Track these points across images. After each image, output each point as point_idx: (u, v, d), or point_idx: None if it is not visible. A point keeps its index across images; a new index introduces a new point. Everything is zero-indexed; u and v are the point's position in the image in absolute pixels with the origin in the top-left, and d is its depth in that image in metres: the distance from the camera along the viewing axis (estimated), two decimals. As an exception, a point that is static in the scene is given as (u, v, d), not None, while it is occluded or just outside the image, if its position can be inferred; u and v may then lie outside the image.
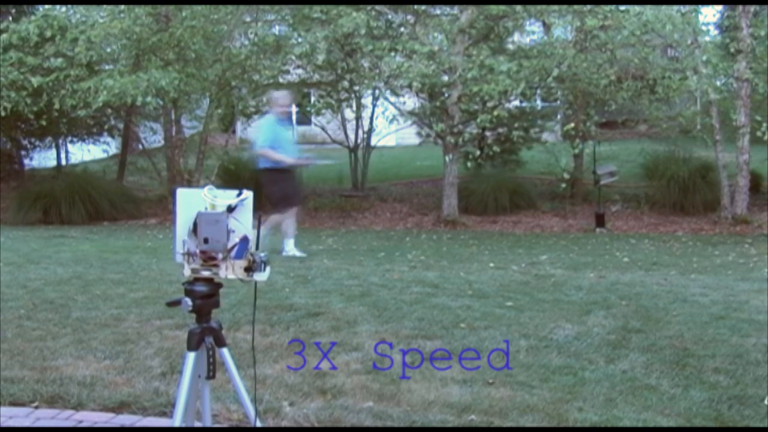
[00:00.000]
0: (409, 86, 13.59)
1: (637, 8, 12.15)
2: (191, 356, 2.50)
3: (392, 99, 15.67)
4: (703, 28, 13.48)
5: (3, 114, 12.85)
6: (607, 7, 12.48)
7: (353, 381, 4.01)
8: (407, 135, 18.94)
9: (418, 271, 7.73)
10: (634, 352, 4.53)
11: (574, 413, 3.59)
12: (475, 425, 3.50)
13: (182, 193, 2.49)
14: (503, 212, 14.27)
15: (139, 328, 5.10)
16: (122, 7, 12.83)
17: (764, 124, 12.49)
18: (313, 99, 16.63)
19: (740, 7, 12.85)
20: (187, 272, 2.49)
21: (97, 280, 6.85)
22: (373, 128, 16.23)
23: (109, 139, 17.96)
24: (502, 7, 12.89)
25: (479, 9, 12.97)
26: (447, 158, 13.61)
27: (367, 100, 16.12)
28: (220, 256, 2.44)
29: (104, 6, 13.16)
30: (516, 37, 16.31)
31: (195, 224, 2.44)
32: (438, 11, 14.70)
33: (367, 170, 16.19)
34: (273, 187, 8.84)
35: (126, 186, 16.14)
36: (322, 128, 16.04)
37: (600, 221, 13.10)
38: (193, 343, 2.51)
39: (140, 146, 17.11)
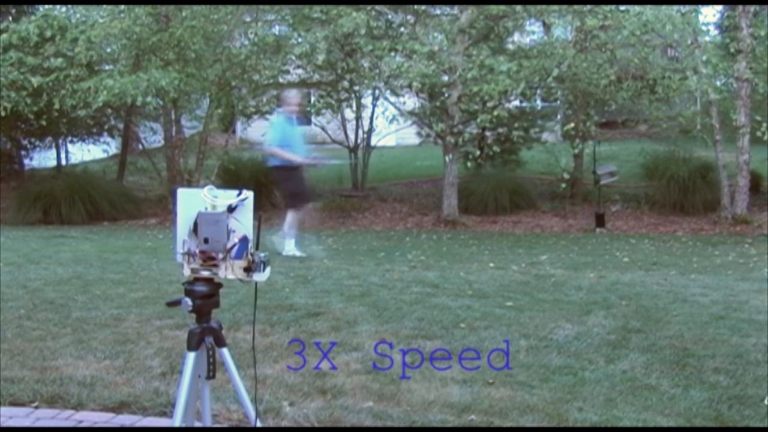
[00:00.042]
0: (409, 86, 13.59)
1: (637, 8, 12.15)
2: (191, 356, 2.50)
3: (392, 99, 15.66)
4: (703, 28, 13.48)
5: (3, 114, 12.84)
6: (607, 7, 12.48)
7: (353, 381, 4.01)
8: (407, 135, 18.93)
9: (418, 271, 7.73)
10: (634, 352, 4.53)
11: (574, 413, 3.59)
12: (475, 425, 3.50)
13: (182, 193, 2.49)
14: (503, 212, 14.26)
15: (139, 328, 5.10)
16: (122, 7, 12.83)
17: (764, 124, 12.49)
18: (313, 99, 16.61)
19: (740, 7, 12.84)
20: (186, 272, 2.49)
21: (97, 280, 6.85)
22: (373, 128, 16.22)
23: (109, 139, 17.95)
24: (502, 7, 12.89)
25: (479, 9, 12.97)
26: (447, 158, 13.61)
27: (367, 100, 16.11)
28: (220, 256, 2.44)
29: (104, 6, 13.16)
30: (516, 37, 16.31)
31: (195, 224, 2.44)
32: (438, 11, 14.70)
33: (367, 170, 16.19)
34: (284, 185, 8.88)
35: (126, 186, 16.13)
36: (322, 128, 16.04)
37: (600, 221, 13.10)
38: (193, 343, 2.51)
39: (140, 146, 17.11)
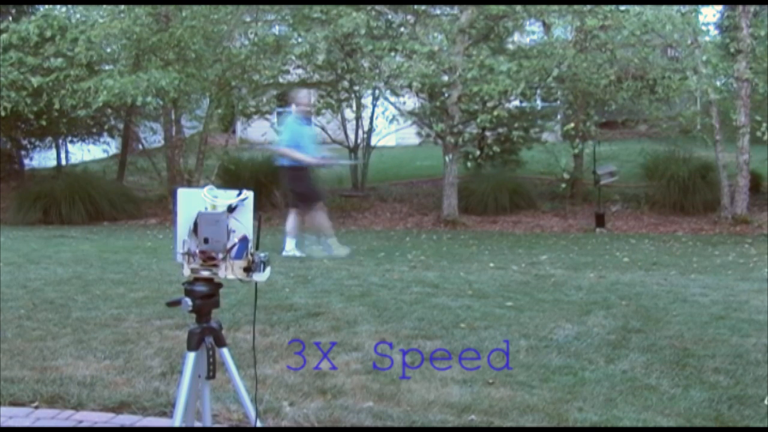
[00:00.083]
0: (409, 86, 13.59)
1: (637, 8, 12.15)
2: (191, 356, 2.50)
3: (392, 99, 15.66)
4: (703, 28, 13.48)
5: (3, 114, 12.84)
6: (607, 7, 12.48)
7: (353, 381, 4.01)
8: (407, 135, 18.93)
9: (418, 271, 7.73)
10: (634, 352, 4.53)
11: (574, 413, 3.59)
12: (475, 425, 3.50)
13: (183, 193, 2.49)
14: (503, 212, 14.26)
15: (139, 328, 5.10)
16: (122, 7, 12.83)
17: (764, 124, 12.49)
18: (313, 99, 16.62)
19: (740, 7, 12.84)
20: (186, 272, 2.49)
21: (97, 280, 6.85)
22: (373, 128, 16.22)
23: (109, 139, 17.95)
24: (502, 7, 12.89)
25: (479, 9, 12.96)
26: (447, 158, 13.61)
27: (367, 100, 16.11)
28: (220, 256, 2.44)
29: (104, 6, 13.16)
30: (516, 37, 16.30)
31: (195, 224, 2.44)
32: (438, 11, 14.70)
33: (367, 170, 16.19)
34: (293, 186, 8.86)
35: (126, 186, 16.13)
36: (322, 128, 16.04)
37: (600, 221, 13.10)
38: (193, 343, 2.51)
39: (140, 146, 17.11)
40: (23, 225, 13.07)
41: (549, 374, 4.14)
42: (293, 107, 9.16)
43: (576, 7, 12.86)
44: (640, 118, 17.05)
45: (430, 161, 17.98)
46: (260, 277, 2.47)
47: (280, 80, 14.94)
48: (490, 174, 15.26)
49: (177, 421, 2.47)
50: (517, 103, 16.22)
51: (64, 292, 6.24)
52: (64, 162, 18.02)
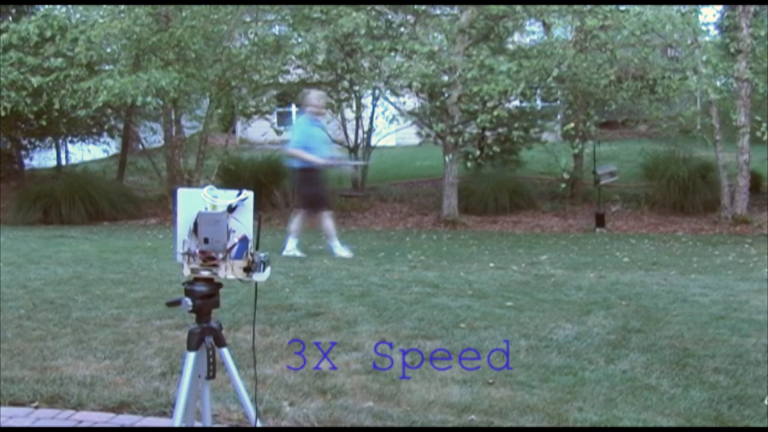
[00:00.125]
0: (409, 86, 13.59)
1: (637, 8, 12.15)
2: (191, 356, 2.51)
3: (392, 99, 15.66)
4: (703, 28, 13.48)
5: (3, 114, 12.84)
6: (607, 7, 12.48)
7: (353, 381, 4.01)
8: (407, 135, 18.93)
9: (418, 271, 7.73)
10: (634, 352, 4.53)
11: (574, 413, 3.59)
12: (475, 425, 3.50)
13: (183, 193, 2.49)
14: (503, 212, 14.26)
15: (139, 328, 5.10)
16: (122, 7, 12.83)
17: (764, 124, 12.49)
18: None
19: (740, 7, 12.85)
20: (186, 272, 2.49)
21: (97, 280, 6.85)
22: (373, 128, 16.22)
23: (109, 139, 17.96)
24: (502, 7, 12.89)
25: (479, 9, 12.96)
26: (447, 158, 13.61)
27: (367, 100, 16.11)
28: (220, 256, 2.44)
29: (104, 6, 13.16)
30: (516, 37, 16.30)
31: (195, 224, 2.44)
32: (438, 11, 14.70)
33: (367, 170, 16.19)
34: (303, 188, 8.85)
35: (126, 186, 16.13)
36: (322, 128, 16.04)
37: (600, 221, 13.10)
38: (193, 343, 2.51)
39: (140, 146, 17.11)
40: (23, 225, 13.07)
41: (549, 374, 4.14)
42: (305, 108, 9.09)
43: (576, 7, 12.86)
44: (640, 118, 17.05)
45: (430, 161, 17.99)
46: (260, 277, 2.47)
47: (280, 80, 14.94)
48: (490, 174, 15.27)
49: (177, 421, 2.47)
50: (517, 103, 16.22)
51: (64, 292, 6.24)
52: (64, 162, 18.02)
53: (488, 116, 12.77)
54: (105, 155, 18.26)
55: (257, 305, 2.61)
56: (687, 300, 6.08)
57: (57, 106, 12.87)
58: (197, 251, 2.45)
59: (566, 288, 6.62)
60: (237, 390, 2.60)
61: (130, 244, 10.20)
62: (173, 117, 15.04)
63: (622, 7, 12.62)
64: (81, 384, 3.97)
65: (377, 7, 13.53)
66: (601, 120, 16.27)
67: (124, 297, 6.07)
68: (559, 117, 17.75)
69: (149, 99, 12.26)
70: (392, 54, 13.20)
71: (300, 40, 13.59)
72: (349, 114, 16.41)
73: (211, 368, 2.51)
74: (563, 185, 14.32)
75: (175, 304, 2.50)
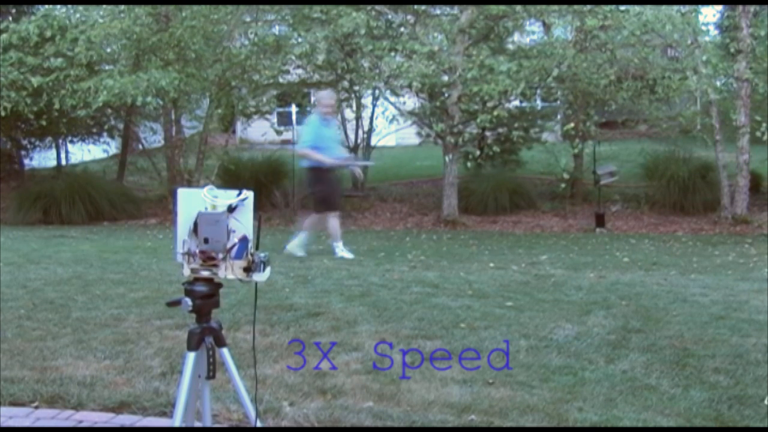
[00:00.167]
0: (409, 86, 13.59)
1: (637, 8, 12.16)
2: (191, 356, 2.51)
3: (392, 99, 15.67)
4: (703, 28, 13.49)
5: (3, 114, 12.84)
6: (607, 7, 12.48)
7: (353, 381, 4.01)
8: (407, 135, 18.94)
9: (418, 271, 7.72)
10: (634, 352, 4.53)
11: (574, 413, 3.59)
12: (475, 425, 3.50)
13: (183, 193, 2.49)
14: (503, 212, 14.27)
15: (139, 328, 5.10)
16: (122, 7, 12.83)
17: (764, 124, 12.50)
18: (313, 99, 16.62)
19: (740, 7, 12.85)
20: (186, 272, 2.49)
21: (97, 280, 6.85)
22: (373, 128, 16.23)
23: (109, 139, 17.96)
24: (502, 7, 12.89)
25: (479, 9, 12.97)
26: (447, 158, 13.61)
27: (367, 100, 16.12)
28: (220, 256, 2.44)
29: (104, 6, 13.16)
30: (516, 37, 16.31)
31: (195, 224, 2.44)
32: (438, 11, 14.70)
33: (367, 170, 16.18)
34: (314, 188, 8.84)
35: (126, 186, 16.14)
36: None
37: (600, 221, 13.10)
38: (193, 343, 2.51)
39: (140, 146, 17.12)
40: (23, 225, 13.08)
41: (549, 374, 4.14)
42: (316, 107, 9.06)
43: (576, 7, 12.87)
44: (640, 118, 17.05)
45: (430, 161, 17.99)
46: (260, 277, 2.47)
47: (280, 80, 14.94)
48: (490, 174, 15.27)
49: (177, 421, 2.47)
50: (517, 103, 16.22)
51: (64, 292, 6.24)
52: (64, 162, 18.02)
53: (488, 116, 12.77)
54: (105, 155, 18.27)
55: (257, 305, 2.61)
56: (687, 300, 6.08)
57: (57, 106, 12.87)
58: (197, 251, 2.45)
59: (566, 288, 6.62)
60: (237, 390, 2.60)
61: (130, 244, 10.20)
62: (173, 117, 15.05)
63: (622, 7, 12.62)
64: (81, 384, 3.97)
65: (377, 7, 13.53)
66: (601, 120, 16.28)
67: (124, 297, 6.07)
68: (559, 117, 17.76)
69: (149, 99, 12.26)
70: (392, 54, 13.21)
71: (300, 40, 13.60)
72: (349, 114, 16.42)
73: (211, 368, 2.51)
74: (563, 185, 14.33)
75: (175, 304, 2.50)
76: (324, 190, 8.74)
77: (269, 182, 14.47)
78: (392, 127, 15.85)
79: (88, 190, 14.09)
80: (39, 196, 13.94)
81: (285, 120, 18.12)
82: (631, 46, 13.77)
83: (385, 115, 15.68)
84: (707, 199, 13.73)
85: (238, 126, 21.13)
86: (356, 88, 15.29)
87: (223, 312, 4.80)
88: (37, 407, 3.74)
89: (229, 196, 2.44)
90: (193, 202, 2.46)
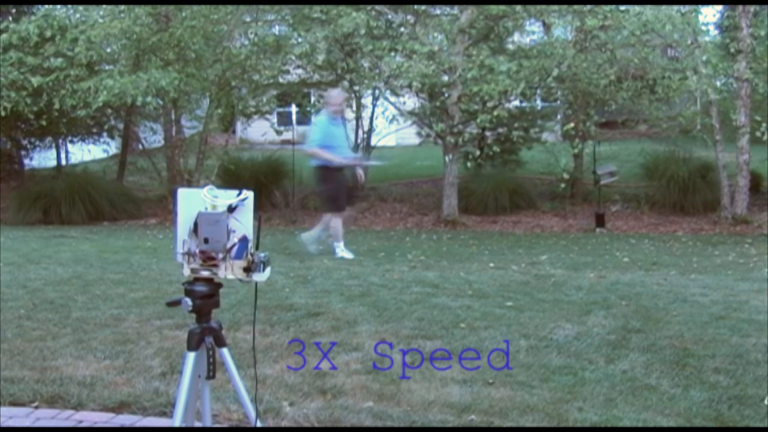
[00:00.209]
0: (409, 86, 13.58)
1: (637, 8, 12.15)
2: (191, 356, 2.50)
3: (392, 99, 15.67)
4: (703, 28, 13.48)
5: (3, 114, 12.84)
6: (607, 7, 12.48)
7: (353, 381, 4.01)
8: (407, 135, 18.93)
9: (418, 271, 7.73)
10: (634, 352, 4.53)
11: (574, 413, 3.59)
12: (475, 425, 3.50)
13: (183, 193, 2.49)
14: (503, 212, 14.27)
15: (139, 328, 5.10)
16: (122, 7, 12.83)
17: (764, 124, 12.49)
18: (313, 99, 16.63)
19: (740, 7, 12.85)
20: (186, 272, 2.49)
21: (97, 280, 6.85)
22: (373, 128, 16.22)
23: (109, 139, 17.97)
24: (502, 7, 12.89)
25: (479, 9, 12.97)
26: (447, 158, 13.61)
27: (367, 100, 16.12)
28: (220, 256, 2.44)
29: (104, 6, 13.16)
30: (516, 37, 16.31)
31: (195, 224, 2.44)
32: (438, 11, 14.70)
33: (367, 170, 16.18)
34: (322, 187, 8.83)
35: (126, 186, 16.14)
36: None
37: (600, 221, 13.10)
38: (193, 343, 2.51)
39: (140, 146, 17.12)
40: (23, 225, 13.07)
41: (549, 374, 4.14)
42: (325, 107, 9.03)
43: (576, 7, 12.86)
44: (640, 118, 17.05)
45: (430, 161, 17.99)
46: (260, 277, 2.47)
47: (280, 80, 14.94)
48: (490, 174, 15.27)
49: (177, 421, 2.47)
50: (517, 103, 16.22)
51: (64, 292, 6.24)
52: (64, 162, 18.02)
53: (488, 116, 12.77)
54: (105, 155, 18.27)
55: (257, 305, 2.61)
56: (687, 300, 6.08)
57: (57, 106, 12.87)
58: (197, 251, 2.45)
59: (566, 288, 6.62)
60: (237, 390, 2.60)
61: (130, 244, 10.20)
62: (173, 117, 15.05)
63: (622, 7, 12.62)
64: (81, 384, 3.97)
65: (377, 7, 13.53)
66: (601, 120, 16.28)
67: (124, 297, 6.08)
68: (559, 117, 17.76)
69: (149, 99, 12.26)
70: (392, 54, 13.20)
71: (300, 40, 13.59)
72: (349, 114, 16.40)
73: (211, 368, 2.51)
74: (563, 185, 14.33)
75: (175, 304, 2.50)
76: (331, 189, 8.73)
77: (269, 182, 14.47)
78: (392, 127, 15.84)
79: (88, 190, 14.09)
80: (39, 196, 13.94)
81: (285, 120, 18.14)
82: (631, 46, 13.77)
83: (385, 115, 15.67)
84: (707, 199, 13.73)
85: (238, 126, 21.13)
86: (356, 88, 15.28)
87: (223, 312, 4.80)
88: (37, 407, 3.74)
89: (229, 196, 2.44)
90: (193, 202, 2.46)
